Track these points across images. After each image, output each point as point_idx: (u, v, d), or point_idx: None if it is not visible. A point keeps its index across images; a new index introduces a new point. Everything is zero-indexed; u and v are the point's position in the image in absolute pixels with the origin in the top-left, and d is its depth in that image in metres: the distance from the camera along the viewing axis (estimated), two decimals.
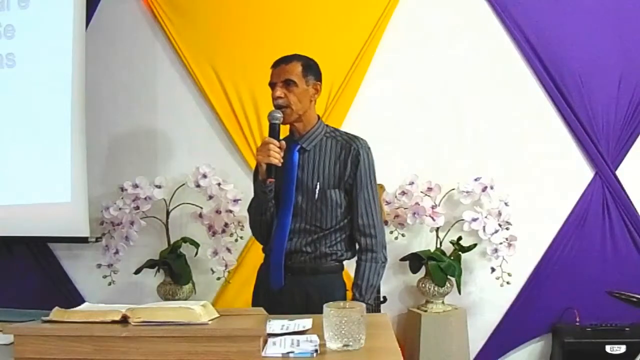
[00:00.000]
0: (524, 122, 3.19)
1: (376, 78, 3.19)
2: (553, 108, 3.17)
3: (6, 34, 3.07)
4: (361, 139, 2.22)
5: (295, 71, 2.15)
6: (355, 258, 2.24)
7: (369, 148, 2.21)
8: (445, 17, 3.21)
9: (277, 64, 2.19)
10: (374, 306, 2.72)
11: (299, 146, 2.20)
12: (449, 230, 3.10)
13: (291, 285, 2.15)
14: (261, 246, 2.32)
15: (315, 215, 2.16)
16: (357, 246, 2.23)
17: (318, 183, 2.15)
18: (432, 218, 3.01)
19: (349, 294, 2.23)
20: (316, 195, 2.15)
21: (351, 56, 3.15)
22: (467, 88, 3.19)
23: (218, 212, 3.08)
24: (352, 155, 2.16)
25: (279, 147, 2.09)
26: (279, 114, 2.12)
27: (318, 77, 2.22)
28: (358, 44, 3.16)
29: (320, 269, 2.17)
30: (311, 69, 2.20)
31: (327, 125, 2.27)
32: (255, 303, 2.27)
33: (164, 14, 3.24)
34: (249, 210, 2.30)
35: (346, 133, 2.25)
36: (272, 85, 2.18)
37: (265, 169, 2.09)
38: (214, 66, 3.22)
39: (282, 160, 2.10)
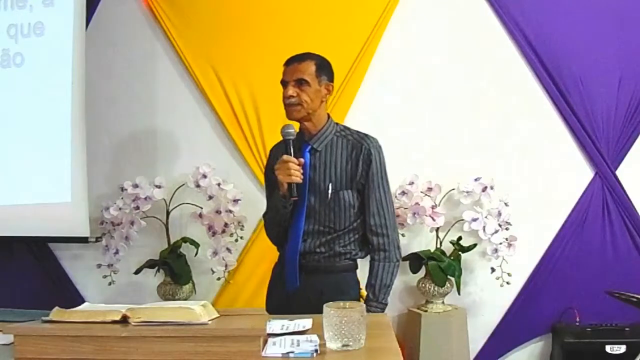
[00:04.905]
0: (524, 122, 3.19)
1: (376, 78, 3.19)
2: (553, 108, 3.17)
3: (8, 34, 3.07)
4: (372, 137, 2.19)
5: (308, 70, 2.12)
6: (368, 257, 2.23)
7: (380, 147, 2.19)
8: (445, 17, 3.20)
9: (290, 62, 2.16)
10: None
11: (309, 147, 2.17)
12: (449, 230, 3.10)
13: (305, 285, 2.14)
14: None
15: (328, 216, 2.15)
16: (370, 246, 2.21)
17: (330, 184, 2.14)
18: (432, 218, 3.01)
19: (363, 292, 2.23)
20: (329, 197, 2.13)
21: (351, 56, 3.14)
22: (467, 88, 3.19)
23: (218, 212, 3.08)
24: (363, 154, 2.14)
25: (298, 164, 2.07)
26: (291, 130, 2.10)
27: (331, 77, 2.20)
28: (358, 44, 3.15)
29: (334, 268, 2.16)
30: (324, 68, 2.17)
31: (337, 124, 2.24)
32: (269, 301, 2.28)
33: (164, 14, 3.24)
34: (264, 217, 2.30)
35: (357, 132, 2.22)
36: (284, 83, 2.15)
37: (286, 187, 2.07)
38: (214, 66, 3.22)
39: (302, 178, 2.08)
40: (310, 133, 2.18)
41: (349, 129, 2.24)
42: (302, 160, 2.09)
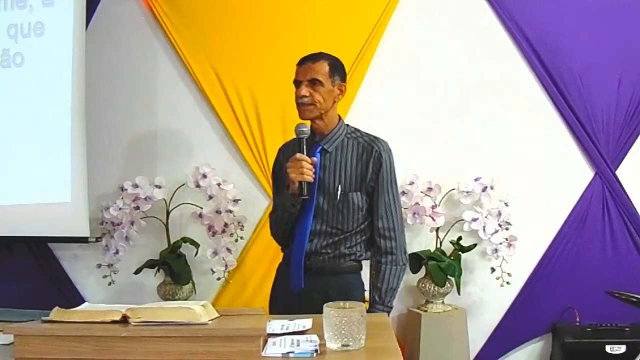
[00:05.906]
0: (524, 122, 3.19)
1: (376, 78, 3.19)
2: (553, 108, 3.17)
3: (8, 34, 3.07)
4: (383, 140, 2.20)
5: (322, 70, 2.12)
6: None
7: (390, 150, 2.20)
8: (445, 17, 3.20)
9: (303, 62, 2.15)
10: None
11: (320, 147, 2.17)
12: (449, 230, 3.10)
13: (310, 285, 2.13)
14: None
15: (336, 217, 2.14)
16: (376, 248, 2.20)
17: (340, 185, 2.13)
18: (432, 218, 3.01)
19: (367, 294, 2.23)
20: (338, 198, 2.13)
21: (350, 57, 3.13)
22: (466, 88, 3.19)
23: (218, 212, 3.08)
24: (374, 157, 2.14)
25: (311, 163, 2.07)
26: (305, 128, 2.09)
27: (343, 77, 2.19)
28: (357, 44, 3.15)
29: (339, 269, 2.16)
30: (338, 69, 2.17)
31: (347, 125, 2.24)
32: (273, 301, 2.27)
33: (164, 14, 3.24)
34: (270, 215, 2.30)
35: (367, 134, 2.22)
36: (297, 83, 2.14)
37: (297, 186, 2.06)
38: (214, 66, 3.22)
39: (314, 177, 2.07)
40: (322, 133, 2.18)
41: (359, 130, 2.23)
42: (314, 159, 2.09)
